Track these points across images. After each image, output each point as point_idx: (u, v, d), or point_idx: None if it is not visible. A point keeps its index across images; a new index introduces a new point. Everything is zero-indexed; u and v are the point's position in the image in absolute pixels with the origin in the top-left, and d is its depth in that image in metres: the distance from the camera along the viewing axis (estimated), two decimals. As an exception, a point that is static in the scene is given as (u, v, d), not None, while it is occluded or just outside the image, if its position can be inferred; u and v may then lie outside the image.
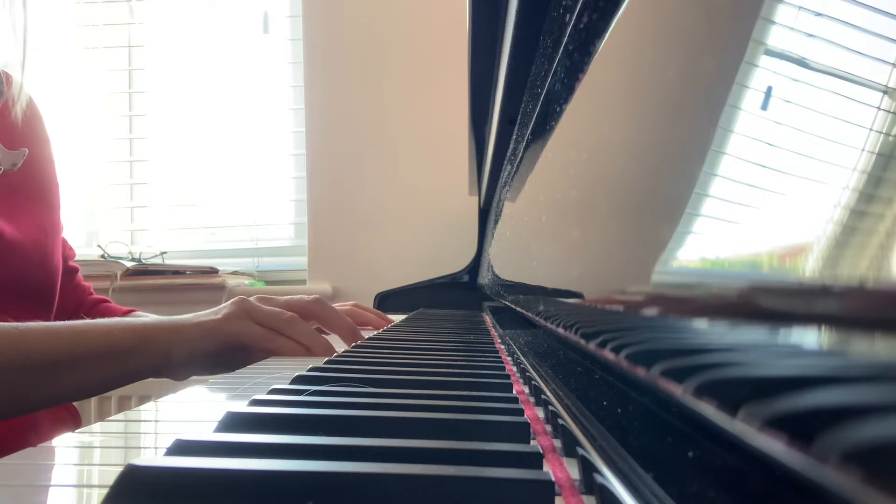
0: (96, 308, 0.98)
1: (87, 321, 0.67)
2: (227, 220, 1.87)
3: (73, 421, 0.92)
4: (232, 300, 0.72)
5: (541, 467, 0.25)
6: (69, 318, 0.94)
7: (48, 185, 0.88)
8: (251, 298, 0.72)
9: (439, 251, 1.66)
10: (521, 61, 0.69)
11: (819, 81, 0.14)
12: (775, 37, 0.16)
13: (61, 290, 0.92)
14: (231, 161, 1.86)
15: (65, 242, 0.98)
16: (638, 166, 0.27)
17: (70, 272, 0.98)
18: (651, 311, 0.22)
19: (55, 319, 0.87)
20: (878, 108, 0.12)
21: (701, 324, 0.18)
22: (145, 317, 0.71)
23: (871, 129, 0.12)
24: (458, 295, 1.53)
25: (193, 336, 0.67)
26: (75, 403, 0.95)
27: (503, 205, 0.91)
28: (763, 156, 0.16)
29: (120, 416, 0.41)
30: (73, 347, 0.63)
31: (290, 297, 0.77)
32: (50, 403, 0.67)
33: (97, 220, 1.91)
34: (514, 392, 0.41)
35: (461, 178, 1.49)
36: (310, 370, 0.46)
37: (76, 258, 1.02)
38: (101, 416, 1.64)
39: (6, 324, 0.63)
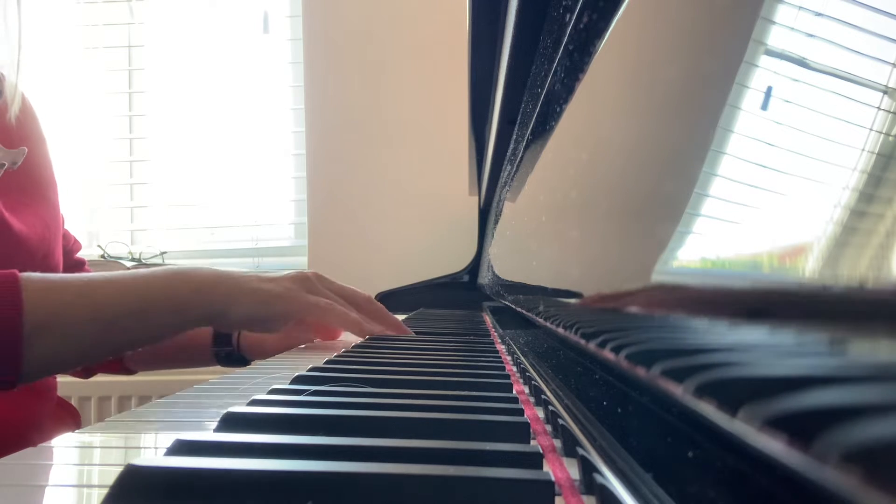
0: None
1: (148, 272, 0.70)
2: (227, 220, 1.87)
3: (74, 421, 0.92)
4: (295, 273, 0.75)
5: (541, 467, 0.25)
6: None
7: (47, 182, 0.88)
8: (311, 275, 0.76)
9: (439, 251, 1.66)
10: (521, 61, 0.69)
11: (819, 81, 0.14)
12: (775, 37, 0.16)
13: None
14: (231, 161, 1.86)
15: (68, 235, 0.98)
16: (638, 166, 0.27)
17: (76, 265, 0.98)
18: (651, 311, 0.22)
19: None
20: (878, 108, 0.12)
21: (701, 324, 0.18)
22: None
23: (871, 129, 0.12)
24: (458, 295, 1.53)
25: (248, 301, 0.70)
26: (74, 404, 0.95)
27: (503, 205, 0.91)
28: (763, 156, 0.16)
29: (120, 416, 0.41)
30: (137, 297, 0.66)
31: (343, 285, 0.80)
32: (115, 352, 0.69)
33: (97, 220, 1.91)
34: (514, 392, 0.41)
35: (461, 178, 1.49)
36: (310, 370, 0.46)
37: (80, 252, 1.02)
38: (101, 416, 1.64)
39: (72, 275, 0.65)
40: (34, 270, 0.78)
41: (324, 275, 0.79)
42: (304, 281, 0.74)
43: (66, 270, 0.95)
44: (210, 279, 0.70)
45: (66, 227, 0.98)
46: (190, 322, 0.69)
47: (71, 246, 0.98)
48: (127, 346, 0.69)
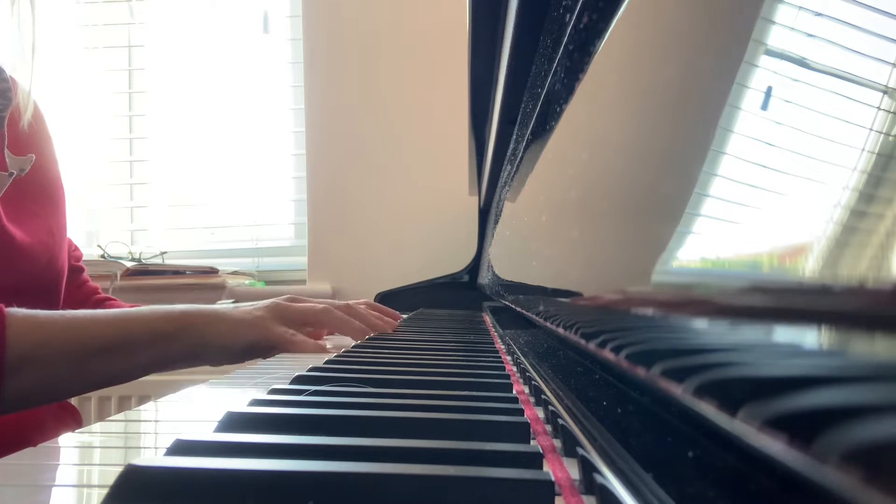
0: (102, 306, 0.99)
1: (129, 309, 0.73)
2: (227, 220, 1.87)
3: (74, 421, 0.92)
4: (267, 302, 0.78)
5: (541, 467, 0.25)
6: None
7: (54, 185, 0.88)
8: (281, 300, 0.79)
9: (439, 251, 1.66)
10: (521, 61, 0.69)
11: (819, 81, 0.14)
12: (775, 37, 0.16)
13: (67, 289, 0.94)
14: (231, 161, 1.86)
15: (70, 243, 0.98)
16: (638, 166, 0.27)
17: (76, 271, 0.99)
18: (651, 311, 0.22)
19: None
20: (878, 108, 0.12)
21: (701, 324, 0.18)
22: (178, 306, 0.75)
23: (871, 129, 0.12)
24: (458, 295, 1.53)
25: (227, 331, 0.73)
26: (75, 403, 0.95)
27: (503, 205, 0.91)
28: (763, 156, 0.16)
29: (120, 416, 0.41)
30: (119, 333, 0.68)
31: (306, 305, 0.82)
32: (95, 387, 0.71)
33: (97, 220, 1.91)
34: (514, 392, 0.41)
35: (461, 178, 1.49)
36: (310, 370, 0.46)
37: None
38: (101, 416, 1.64)
39: (54, 311, 0.67)
40: (37, 277, 0.79)
41: (295, 297, 0.82)
42: (274, 309, 0.77)
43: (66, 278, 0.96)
44: (189, 313, 0.72)
45: (68, 234, 0.98)
46: (172, 357, 0.72)
47: (73, 253, 0.99)
48: (108, 382, 0.70)
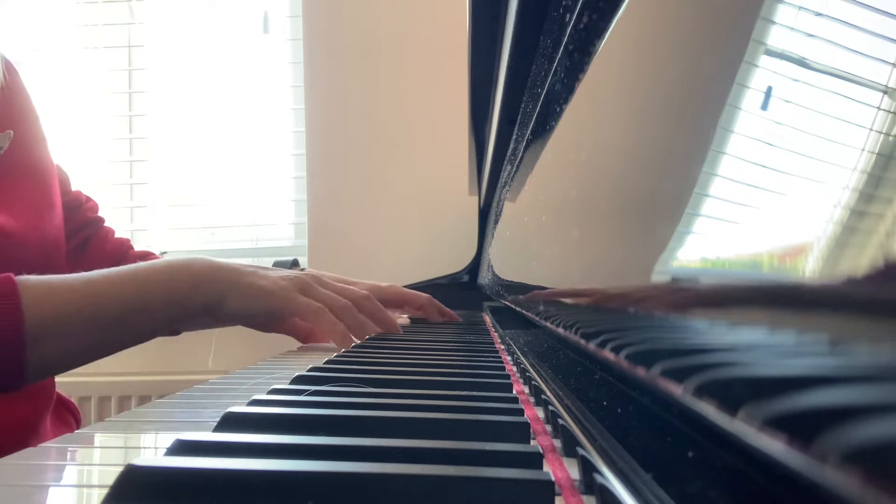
0: (146, 259, 0.97)
1: (147, 266, 0.70)
2: (227, 220, 1.87)
3: (74, 418, 0.92)
4: (295, 273, 0.75)
5: (541, 467, 0.25)
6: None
7: (38, 162, 0.85)
8: (309, 278, 0.75)
9: (439, 251, 1.66)
10: (521, 61, 0.69)
11: (819, 81, 0.14)
12: (775, 37, 0.16)
13: (87, 248, 0.93)
14: (231, 161, 1.86)
15: (80, 195, 0.97)
16: (638, 166, 0.27)
17: (91, 226, 0.97)
18: (651, 311, 0.22)
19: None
20: (878, 108, 0.12)
21: (701, 324, 0.18)
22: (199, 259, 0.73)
23: (871, 129, 0.12)
24: (458, 295, 1.52)
25: (243, 294, 0.70)
26: (76, 402, 0.95)
27: (503, 205, 0.91)
28: (763, 156, 0.16)
29: (120, 416, 0.41)
30: (137, 293, 0.66)
31: (344, 285, 0.80)
32: (117, 349, 0.69)
33: (97, 220, 1.91)
34: (514, 392, 0.41)
35: (461, 178, 1.49)
36: (310, 370, 0.46)
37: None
38: (101, 416, 1.64)
39: (72, 275, 0.65)
40: (29, 258, 0.77)
41: (326, 274, 0.80)
42: (299, 282, 0.74)
43: (80, 233, 0.94)
44: (209, 271, 0.70)
45: (78, 188, 0.96)
46: (189, 313, 0.69)
47: (84, 205, 0.97)
48: (129, 342, 0.69)
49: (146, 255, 1.01)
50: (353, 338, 0.72)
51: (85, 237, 0.97)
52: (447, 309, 1.03)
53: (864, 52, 0.13)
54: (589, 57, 0.38)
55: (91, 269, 0.67)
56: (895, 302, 0.10)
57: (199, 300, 0.69)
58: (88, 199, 1.00)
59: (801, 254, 0.13)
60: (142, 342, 0.70)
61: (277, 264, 0.96)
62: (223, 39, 1.86)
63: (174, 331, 0.90)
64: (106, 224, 1.01)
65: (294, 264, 0.98)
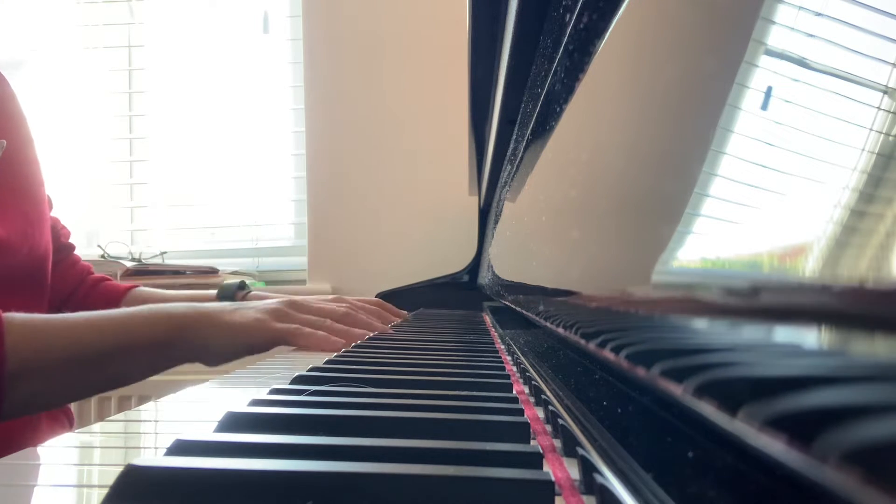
0: (97, 287, 0.98)
1: (128, 311, 0.70)
2: (227, 220, 1.87)
3: (68, 421, 0.91)
4: (271, 301, 0.77)
5: (541, 467, 0.25)
6: (67, 299, 0.94)
7: (28, 169, 0.85)
8: (285, 305, 0.76)
9: (439, 251, 1.66)
10: (521, 61, 0.69)
11: (819, 81, 0.14)
12: (775, 37, 0.16)
13: (59, 269, 0.92)
14: (231, 161, 1.86)
15: (57, 222, 0.96)
16: (638, 166, 0.27)
17: (65, 249, 0.97)
18: (651, 311, 0.22)
19: (51, 301, 0.88)
20: (878, 108, 0.12)
21: (701, 324, 0.18)
22: (177, 304, 0.74)
23: (871, 129, 0.12)
24: (458, 295, 1.52)
25: (226, 333, 0.72)
26: (74, 404, 0.95)
27: (503, 205, 0.91)
28: (763, 156, 0.16)
29: (120, 416, 0.41)
30: (118, 337, 0.67)
31: (321, 303, 0.81)
32: (97, 391, 0.70)
33: (97, 220, 1.91)
34: (514, 392, 0.41)
35: (461, 178, 1.49)
36: (310, 370, 0.46)
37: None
38: (101, 416, 1.64)
39: (54, 316, 0.66)
40: (19, 269, 0.77)
41: (309, 298, 0.81)
42: (274, 311, 0.75)
43: (54, 256, 0.94)
44: (190, 316, 0.71)
45: (56, 214, 0.96)
46: (172, 360, 0.71)
47: (60, 231, 0.97)
48: (110, 385, 0.70)
49: (102, 280, 1.01)
50: (340, 341, 0.73)
51: (57, 261, 0.96)
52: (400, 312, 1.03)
53: (864, 52, 0.13)
54: (589, 57, 0.38)
55: (57, 291, 0.68)
56: (895, 302, 0.10)
57: (185, 346, 0.70)
58: (63, 227, 1.00)
59: (801, 254, 0.13)
60: (127, 384, 0.71)
61: (224, 288, 0.96)
62: (223, 39, 1.86)
63: None
64: (75, 252, 1.02)
65: (241, 287, 0.98)
